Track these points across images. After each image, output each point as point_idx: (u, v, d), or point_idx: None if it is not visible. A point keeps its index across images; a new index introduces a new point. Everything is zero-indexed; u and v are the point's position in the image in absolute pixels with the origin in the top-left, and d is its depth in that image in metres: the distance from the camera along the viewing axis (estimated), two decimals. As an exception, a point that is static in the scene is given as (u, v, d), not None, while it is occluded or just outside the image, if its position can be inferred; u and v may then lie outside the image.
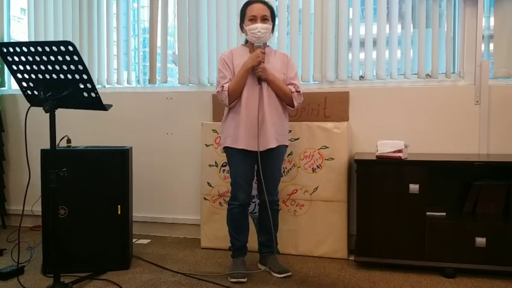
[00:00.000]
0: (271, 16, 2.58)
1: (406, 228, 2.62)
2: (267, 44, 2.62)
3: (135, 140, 3.37)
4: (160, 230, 3.51)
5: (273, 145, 2.52)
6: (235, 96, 2.52)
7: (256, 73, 2.49)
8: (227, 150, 2.61)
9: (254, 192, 2.71)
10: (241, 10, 2.61)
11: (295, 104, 2.59)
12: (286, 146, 2.67)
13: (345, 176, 2.91)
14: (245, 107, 2.50)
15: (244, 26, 2.57)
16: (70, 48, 2.03)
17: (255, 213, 2.91)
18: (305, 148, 2.98)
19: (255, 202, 2.83)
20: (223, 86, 2.51)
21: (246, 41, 2.65)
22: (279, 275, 2.59)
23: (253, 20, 2.51)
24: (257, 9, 2.53)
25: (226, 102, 2.53)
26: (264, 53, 2.49)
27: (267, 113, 2.50)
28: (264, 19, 2.52)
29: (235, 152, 2.55)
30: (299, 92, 2.59)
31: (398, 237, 2.64)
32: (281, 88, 2.54)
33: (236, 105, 2.54)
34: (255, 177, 2.66)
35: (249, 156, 2.53)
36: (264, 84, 2.52)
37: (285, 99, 2.58)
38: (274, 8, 2.69)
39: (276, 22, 2.63)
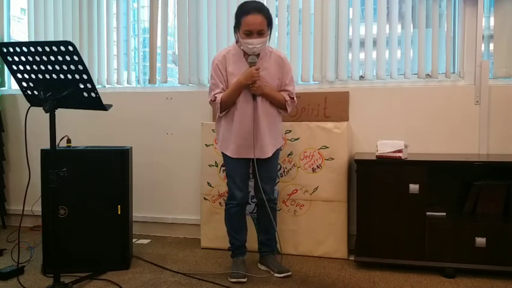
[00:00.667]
0: (268, 25, 2.43)
1: (406, 228, 2.62)
2: None
3: (135, 140, 3.37)
4: (160, 230, 3.51)
5: (270, 154, 2.55)
6: (227, 107, 2.51)
7: (251, 91, 2.46)
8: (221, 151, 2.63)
9: (253, 192, 2.71)
10: (236, 15, 2.45)
11: (289, 110, 2.60)
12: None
13: (345, 176, 2.91)
14: (238, 119, 2.50)
15: (238, 35, 2.46)
16: (70, 48, 2.03)
17: (255, 213, 2.91)
18: (305, 148, 2.98)
19: (254, 202, 2.83)
20: (215, 97, 2.49)
21: None
22: (279, 275, 2.58)
23: (249, 34, 2.39)
24: (253, 23, 2.37)
25: (218, 112, 2.53)
26: (258, 69, 2.43)
27: (262, 124, 2.50)
28: (260, 33, 2.40)
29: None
30: (293, 98, 2.58)
31: (398, 237, 2.64)
32: (276, 99, 2.54)
33: (229, 114, 2.53)
34: (252, 176, 2.66)
35: (243, 158, 2.55)
36: (258, 98, 2.50)
37: (279, 106, 2.57)
38: (272, 11, 2.57)
39: (276, 22, 2.58)
